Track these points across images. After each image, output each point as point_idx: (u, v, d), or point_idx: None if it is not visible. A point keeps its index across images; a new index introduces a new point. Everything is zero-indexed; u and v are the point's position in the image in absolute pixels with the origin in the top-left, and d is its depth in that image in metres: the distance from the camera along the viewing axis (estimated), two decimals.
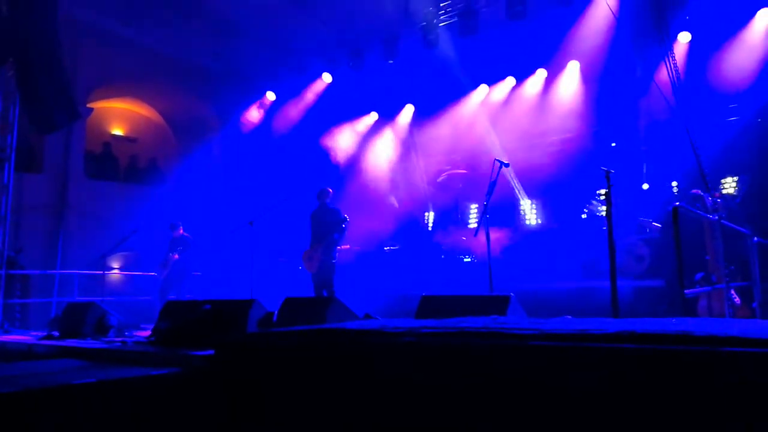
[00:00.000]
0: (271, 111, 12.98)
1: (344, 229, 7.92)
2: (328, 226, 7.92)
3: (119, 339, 5.45)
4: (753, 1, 8.34)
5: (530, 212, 10.93)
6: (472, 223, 11.50)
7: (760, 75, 8.03)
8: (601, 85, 9.85)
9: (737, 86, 8.29)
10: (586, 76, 10.13)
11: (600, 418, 2.00)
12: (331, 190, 8.28)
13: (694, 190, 7.18)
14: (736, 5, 8.36)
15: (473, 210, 11.69)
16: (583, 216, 9.62)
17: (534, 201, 10.91)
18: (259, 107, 12.99)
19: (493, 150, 10.17)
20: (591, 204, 9.20)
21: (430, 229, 12.12)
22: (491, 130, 10.74)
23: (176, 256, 9.15)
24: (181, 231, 9.52)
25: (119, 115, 14.91)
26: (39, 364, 4.16)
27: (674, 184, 9.12)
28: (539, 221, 10.82)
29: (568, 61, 10.20)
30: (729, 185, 8.37)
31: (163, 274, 9.22)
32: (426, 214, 12.30)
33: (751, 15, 8.43)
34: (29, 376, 3.42)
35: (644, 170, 9.22)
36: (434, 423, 2.37)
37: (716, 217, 5.64)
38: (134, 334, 6.05)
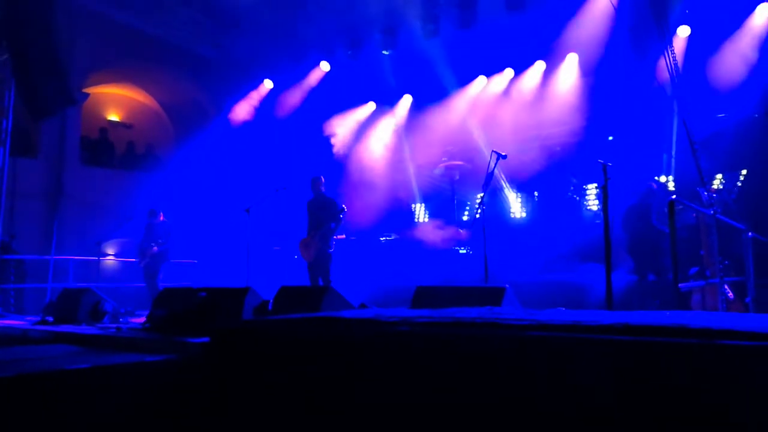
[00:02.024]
0: (269, 99, 12.93)
1: (341, 218, 7.91)
2: (325, 215, 7.90)
3: (114, 325, 5.45)
4: None
5: (516, 205, 11.02)
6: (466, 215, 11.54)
7: (758, 70, 8.02)
8: (600, 77, 9.84)
9: (736, 81, 8.29)
10: (585, 69, 10.11)
11: (594, 409, 2.01)
12: (323, 179, 8.24)
13: (651, 182, 7.25)
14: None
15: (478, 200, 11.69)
16: (588, 205, 9.71)
17: (520, 194, 10.99)
18: (253, 98, 12.94)
19: (490, 142, 10.18)
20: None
21: (425, 220, 12.14)
22: (486, 125, 10.74)
23: (155, 248, 9.03)
24: (162, 218, 9.40)
25: (115, 101, 14.83)
26: (33, 350, 4.16)
27: (670, 178, 9.15)
28: (524, 214, 10.91)
29: (567, 53, 10.18)
30: (722, 180, 8.40)
31: (144, 263, 9.13)
32: (415, 205, 12.33)
33: (751, 9, 8.42)
34: (23, 361, 3.42)
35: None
36: (429, 412, 2.38)
37: (711, 212, 5.65)
38: (129, 320, 6.05)
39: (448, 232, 10.44)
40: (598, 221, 8.98)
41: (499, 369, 2.26)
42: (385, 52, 10.87)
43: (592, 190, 10.16)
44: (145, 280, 9.17)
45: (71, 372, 3.14)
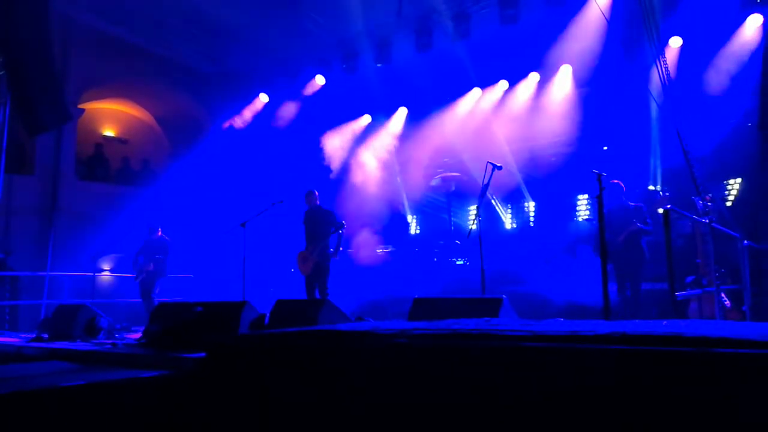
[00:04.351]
0: (265, 113, 12.96)
1: (341, 234, 7.87)
2: (323, 227, 7.89)
3: (109, 341, 5.42)
4: (743, 7, 8.42)
5: (506, 218, 11.06)
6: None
7: (750, 79, 8.09)
8: (594, 88, 9.91)
9: (729, 90, 8.36)
10: (579, 80, 10.18)
11: (592, 419, 2.00)
12: (317, 192, 8.24)
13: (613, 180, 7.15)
14: (727, 11, 8.43)
15: (472, 211, 11.73)
16: (581, 218, 9.73)
17: (510, 205, 11.05)
18: (248, 112, 12.97)
19: (485, 154, 10.21)
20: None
21: (419, 232, 12.15)
22: (481, 136, 10.77)
23: (151, 266, 8.96)
24: (160, 233, 9.34)
25: (111, 117, 14.83)
26: (28, 367, 4.13)
27: (655, 188, 9.19)
28: (513, 226, 10.95)
29: (561, 64, 10.25)
30: (732, 187, 8.45)
31: (140, 278, 9.07)
32: (415, 217, 12.33)
33: (742, 20, 8.51)
34: (18, 379, 3.39)
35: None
36: (427, 424, 2.37)
37: (707, 221, 5.68)
38: (125, 336, 6.02)
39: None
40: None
41: (497, 380, 2.25)
42: (378, 65, 10.90)
43: (582, 200, 10.21)
44: (142, 295, 9.12)
45: (66, 389, 3.11)
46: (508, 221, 11.07)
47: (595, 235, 8.23)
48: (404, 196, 12.20)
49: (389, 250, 11.28)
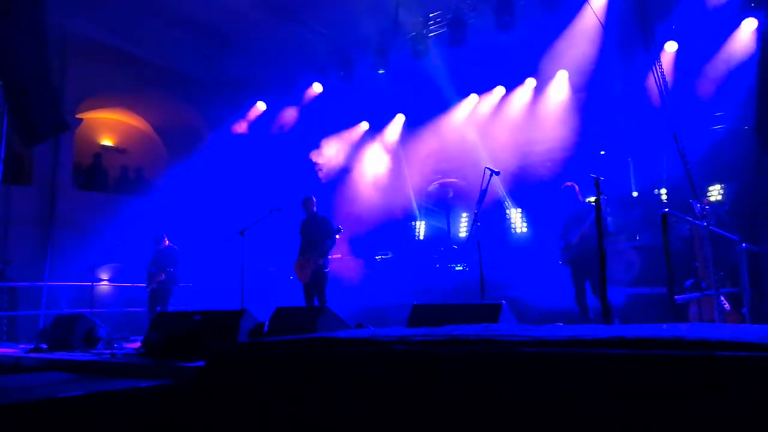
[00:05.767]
0: (262, 121, 12.98)
1: (336, 238, 7.89)
2: (319, 235, 7.90)
3: (108, 351, 5.40)
4: (738, 11, 8.46)
5: (518, 221, 11.02)
6: (462, 232, 11.55)
7: (746, 82, 8.13)
8: (590, 93, 9.93)
9: (725, 94, 8.39)
10: (575, 85, 10.21)
11: (592, 424, 1.99)
12: (314, 199, 8.25)
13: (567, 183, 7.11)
14: (722, 15, 8.48)
15: (464, 219, 11.73)
16: None
17: (522, 209, 11.01)
18: (246, 120, 13.00)
19: (483, 159, 10.22)
20: None
21: (420, 238, 12.14)
22: (478, 142, 10.80)
23: (163, 276, 8.94)
24: (167, 242, 9.30)
25: (109, 126, 14.85)
26: (26, 377, 4.11)
27: (663, 191, 9.21)
28: (524, 230, 10.91)
29: (557, 70, 10.28)
30: (717, 192, 8.46)
31: (150, 288, 9.05)
32: (415, 223, 12.31)
33: (737, 24, 8.55)
34: (16, 390, 3.37)
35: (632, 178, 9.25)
36: (427, 431, 2.36)
37: (705, 224, 5.68)
38: (123, 346, 6.01)
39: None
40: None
41: (497, 386, 2.24)
42: (380, 71, 10.94)
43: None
44: (148, 305, 9.07)
45: (65, 400, 3.09)
46: (521, 225, 11.02)
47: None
48: (402, 202, 12.19)
49: (388, 256, 11.27)
